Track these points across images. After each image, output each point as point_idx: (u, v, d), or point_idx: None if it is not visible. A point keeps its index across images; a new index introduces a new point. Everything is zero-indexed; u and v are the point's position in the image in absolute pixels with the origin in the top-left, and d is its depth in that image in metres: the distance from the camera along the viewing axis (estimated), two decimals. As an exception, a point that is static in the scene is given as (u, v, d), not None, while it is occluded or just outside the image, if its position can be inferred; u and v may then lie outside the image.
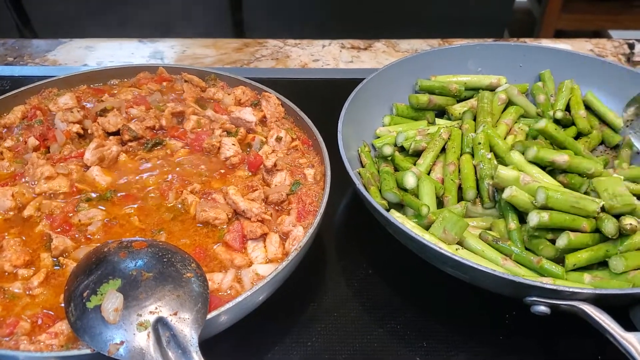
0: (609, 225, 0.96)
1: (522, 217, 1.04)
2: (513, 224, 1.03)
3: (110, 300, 0.80)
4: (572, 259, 0.95)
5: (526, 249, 1.01)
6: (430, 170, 1.16)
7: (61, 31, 1.81)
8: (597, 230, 0.99)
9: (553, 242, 0.99)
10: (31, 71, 1.59)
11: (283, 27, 2.06)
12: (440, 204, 1.11)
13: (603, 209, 0.98)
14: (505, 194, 1.01)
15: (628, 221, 0.94)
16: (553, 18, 4.03)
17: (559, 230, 0.99)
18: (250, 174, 1.11)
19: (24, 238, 0.97)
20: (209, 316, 0.80)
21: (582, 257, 0.95)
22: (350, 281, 1.06)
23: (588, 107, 1.32)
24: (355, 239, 1.16)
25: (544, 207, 0.98)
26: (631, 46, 1.73)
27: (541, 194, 0.98)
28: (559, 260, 0.98)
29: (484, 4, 2.95)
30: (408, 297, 1.03)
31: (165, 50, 1.70)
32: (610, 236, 0.96)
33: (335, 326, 0.98)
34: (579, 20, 4.13)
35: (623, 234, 0.97)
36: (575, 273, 0.97)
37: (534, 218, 0.96)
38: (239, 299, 0.83)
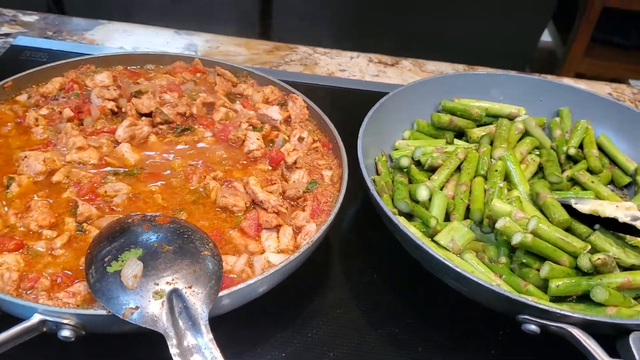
0: (584, 260, 1.01)
1: (513, 251, 1.09)
2: (503, 257, 1.07)
3: (131, 266, 0.85)
4: (554, 281, 0.99)
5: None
6: (443, 187, 1.21)
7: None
8: (576, 268, 1.03)
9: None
10: (69, 47, 1.65)
11: (310, 36, 2.11)
12: (446, 219, 1.16)
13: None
14: (499, 224, 1.06)
15: (597, 256, 0.99)
16: (575, 60, 4.09)
17: (543, 261, 1.03)
18: (270, 168, 1.15)
19: (50, 201, 1.02)
20: (220, 294, 0.85)
21: (564, 282, 0.99)
22: (354, 283, 1.11)
23: (600, 148, 1.37)
24: (361, 244, 1.20)
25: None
26: (649, 93, 1.78)
27: (532, 223, 1.04)
28: (544, 289, 1.03)
29: (509, 38, 3.01)
30: (409, 303, 1.08)
31: (200, 44, 1.76)
32: (585, 270, 1.01)
33: (335, 322, 1.03)
34: (600, 65, 4.19)
35: (599, 272, 1.01)
36: (556, 304, 1.01)
37: (517, 237, 1.01)
38: (250, 281, 0.87)
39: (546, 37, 4.51)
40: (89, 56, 1.34)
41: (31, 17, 1.78)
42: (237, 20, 2.64)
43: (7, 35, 1.67)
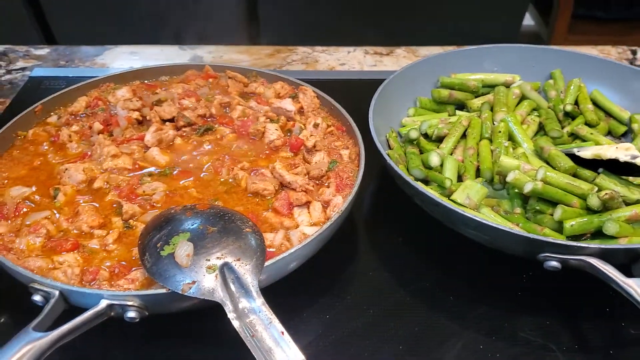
0: (593, 199, 1.08)
1: (527, 201, 1.17)
2: (518, 208, 1.15)
3: (183, 247, 0.93)
4: (568, 221, 1.07)
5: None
6: (452, 153, 1.29)
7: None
8: (587, 209, 1.11)
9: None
10: (83, 72, 1.74)
11: (299, 39, 2.19)
12: (459, 182, 1.24)
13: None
14: (509, 177, 1.14)
15: (604, 192, 1.07)
16: (560, 40, 4.18)
17: (555, 206, 1.11)
18: (292, 154, 1.24)
19: (96, 205, 1.11)
20: (266, 263, 0.93)
21: (577, 220, 1.07)
22: (381, 249, 1.19)
23: (595, 103, 1.45)
24: (383, 214, 1.29)
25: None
26: (634, 52, 1.87)
27: (541, 172, 1.12)
28: (560, 232, 1.10)
29: (491, 25, 3.07)
30: (435, 261, 1.16)
31: (204, 55, 1.85)
32: (595, 208, 1.08)
33: (370, 284, 1.11)
34: (585, 41, 4.28)
35: (608, 208, 1.09)
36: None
37: (529, 186, 1.10)
38: (291, 250, 0.95)
39: (528, 20, 4.60)
40: (107, 75, 1.43)
41: (43, 51, 1.88)
42: (223, 30, 2.70)
43: (23, 69, 1.77)
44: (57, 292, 0.89)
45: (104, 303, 0.88)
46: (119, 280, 0.96)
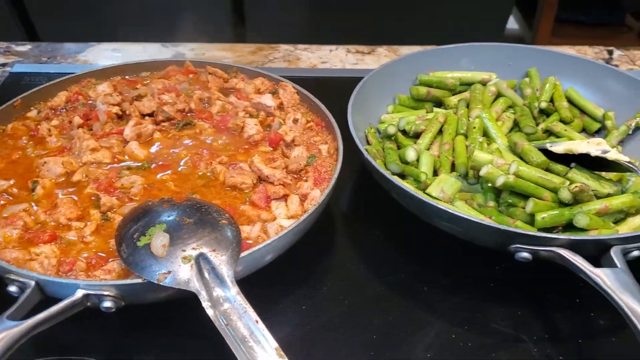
0: (564, 192, 1.10)
1: (499, 195, 1.19)
2: (491, 202, 1.18)
3: (159, 238, 0.94)
4: (540, 214, 1.08)
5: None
6: (428, 148, 1.31)
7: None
8: (559, 202, 1.13)
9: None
10: (65, 68, 1.74)
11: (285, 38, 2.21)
12: (435, 176, 1.26)
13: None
14: (482, 171, 1.16)
15: (574, 185, 1.09)
16: (544, 43, 4.23)
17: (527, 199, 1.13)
18: (271, 149, 1.25)
19: (75, 198, 1.12)
20: (242, 255, 0.94)
21: (549, 213, 1.09)
22: (359, 242, 1.21)
23: (570, 101, 1.48)
24: (361, 208, 1.31)
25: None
26: (610, 52, 1.90)
27: (514, 166, 1.14)
28: (531, 225, 1.12)
29: (475, 29, 3.10)
30: (411, 254, 1.18)
31: (186, 53, 1.86)
32: (566, 201, 1.10)
33: (346, 276, 1.13)
34: (568, 44, 4.34)
35: (578, 201, 1.11)
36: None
37: (501, 179, 1.12)
38: (268, 241, 0.97)
39: (512, 24, 4.65)
40: (88, 70, 1.43)
41: (24, 47, 1.88)
42: (211, 32, 2.71)
43: (4, 65, 1.77)
44: (33, 283, 0.90)
45: (79, 293, 0.89)
46: (95, 271, 0.97)
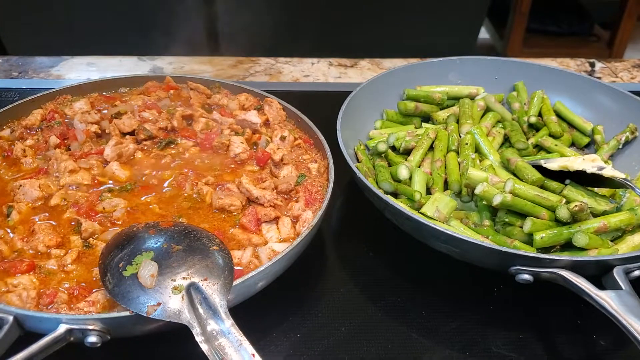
0: (562, 210, 1.08)
1: (495, 213, 1.16)
2: (487, 221, 1.15)
3: (146, 267, 0.89)
4: (538, 234, 1.06)
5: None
6: (420, 165, 1.28)
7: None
8: (556, 220, 1.11)
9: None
10: (37, 84, 1.68)
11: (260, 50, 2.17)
12: (428, 194, 1.23)
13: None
14: (478, 190, 1.13)
15: (574, 204, 1.06)
16: (515, 53, 4.27)
17: (524, 218, 1.10)
18: (258, 168, 1.21)
19: (53, 223, 1.06)
20: (234, 283, 0.90)
21: (547, 232, 1.06)
22: (352, 263, 1.17)
23: (558, 115, 1.46)
24: (353, 228, 1.27)
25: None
26: (592, 64, 1.90)
27: (509, 184, 1.12)
28: (529, 244, 1.10)
29: (448, 39, 3.11)
30: (407, 275, 1.14)
31: (164, 67, 1.81)
32: (564, 220, 1.08)
33: (341, 300, 1.09)
34: (539, 54, 4.40)
35: (577, 220, 1.09)
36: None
37: (498, 198, 1.09)
38: (261, 268, 0.92)
39: (484, 34, 4.69)
40: (64, 86, 1.37)
41: (-7, 61, 1.81)
42: (186, 45, 2.66)
43: (-28, 80, 1.69)
44: (11, 318, 0.84)
45: (62, 328, 0.83)
46: (78, 303, 0.91)
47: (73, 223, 1.05)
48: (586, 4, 4.62)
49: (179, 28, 2.40)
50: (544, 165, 1.18)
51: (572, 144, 1.43)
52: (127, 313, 0.85)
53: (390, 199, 1.08)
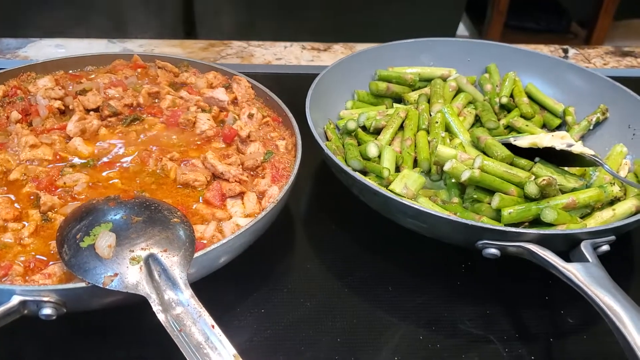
0: (531, 186, 1.07)
1: (464, 191, 1.15)
2: (455, 198, 1.14)
3: (104, 238, 0.86)
4: (506, 209, 1.05)
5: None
6: (390, 144, 1.27)
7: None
8: (525, 197, 1.10)
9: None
10: (4, 64, 1.63)
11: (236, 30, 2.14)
12: (397, 172, 1.21)
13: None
14: (446, 167, 1.12)
15: (542, 178, 1.05)
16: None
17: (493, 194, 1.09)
18: (225, 145, 1.18)
19: (12, 197, 1.03)
20: (196, 255, 0.87)
21: (515, 208, 1.05)
22: (320, 241, 1.15)
23: (530, 96, 1.46)
24: (322, 207, 1.25)
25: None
26: (565, 50, 1.91)
27: (478, 160, 1.11)
28: (497, 221, 1.09)
29: (426, 35, 3.11)
30: (374, 252, 1.13)
31: (134, 49, 1.78)
32: (533, 196, 1.07)
33: (307, 276, 1.07)
34: (519, 48, 4.42)
35: (545, 196, 1.08)
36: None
37: (466, 173, 1.08)
38: (224, 240, 0.90)
39: (462, 30, 4.70)
40: (28, 63, 1.34)
41: (-42, 42, 1.76)
42: (160, 30, 2.62)
43: None
44: (-38, 290, 0.81)
45: (15, 299, 0.80)
46: (34, 276, 0.88)
47: (32, 197, 1.02)
48: (564, 2, 4.66)
49: (151, 11, 2.37)
50: (514, 143, 1.17)
51: (544, 126, 1.43)
52: (83, 284, 0.82)
53: (358, 175, 1.07)
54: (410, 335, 0.97)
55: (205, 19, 2.59)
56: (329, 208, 1.24)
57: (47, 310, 0.81)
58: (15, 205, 1.01)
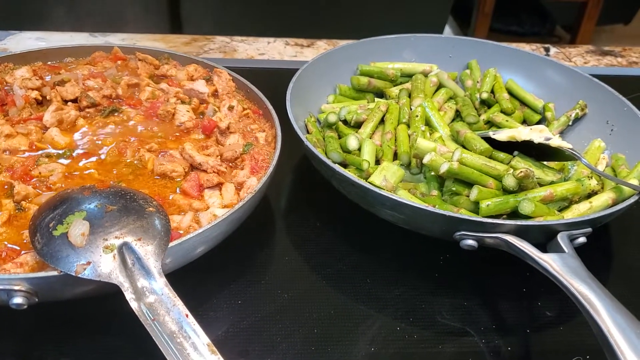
0: (509, 178, 1.07)
1: (443, 184, 1.15)
2: (434, 191, 1.14)
3: (77, 226, 0.85)
4: (484, 201, 1.04)
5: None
6: (370, 137, 1.26)
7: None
8: (503, 190, 1.10)
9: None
10: (-19, 56, 1.61)
11: (222, 25, 2.13)
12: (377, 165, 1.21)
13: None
14: (426, 159, 1.11)
15: (519, 170, 1.05)
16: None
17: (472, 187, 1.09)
18: (204, 137, 1.18)
19: (-16, 187, 1.01)
20: (171, 244, 0.86)
21: (493, 200, 1.05)
22: (299, 232, 1.15)
23: (510, 92, 1.46)
24: (301, 200, 1.25)
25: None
26: (547, 49, 1.92)
27: (457, 153, 1.10)
28: (476, 213, 1.09)
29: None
30: (353, 244, 1.12)
31: (116, 43, 1.75)
32: (511, 188, 1.07)
33: (285, 268, 1.06)
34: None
35: (523, 189, 1.08)
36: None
37: (444, 166, 1.08)
38: (200, 230, 0.89)
39: (448, 33, 4.73)
40: (5, 54, 1.32)
41: None
42: (144, 17, 2.60)
43: None
44: None
45: (-15, 288, 0.79)
46: (5, 264, 0.87)
47: (6, 187, 1.01)
48: (548, 6, 4.69)
49: (137, 6, 2.35)
50: (493, 136, 1.17)
51: (524, 121, 1.43)
52: (54, 273, 0.81)
53: (336, 166, 1.06)
54: (387, 327, 0.97)
55: (190, 15, 2.57)
56: (309, 201, 1.24)
57: (18, 300, 0.80)
58: (-11, 194, 1.00)
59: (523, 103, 1.45)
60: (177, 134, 1.18)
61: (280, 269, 1.06)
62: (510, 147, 1.17)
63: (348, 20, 2.94)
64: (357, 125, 1.30)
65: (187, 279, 0.89)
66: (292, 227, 1.16)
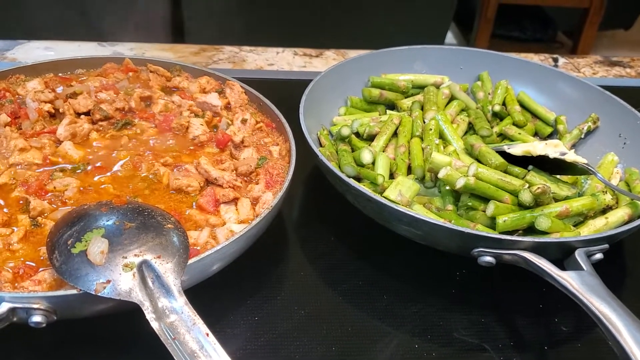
0: (525, 194, 1.07)
1: (458, 199, 1.15)
2: (450, 205, 1.14)
3: (96, 244, 0.85)
4: (501, 217, 1.04)
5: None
6: (384, 151, 1.26)
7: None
8: (519, 205, 1.10)
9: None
10: (-9, 66, 1.61)
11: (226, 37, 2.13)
12: (391, 179, 1.21)
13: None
14: (441, 174, 1.11)
15: (536, 186, 1.06)
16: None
17: (487, 202, 1.09)
18: (218, 150, 1.17)
19: (1, 202, 1.01)
20: (189, 262, 0.86)
21: (509, 216, 1.05)
22: (313, 247, 1.14)
23: (522, 105, 1.46)
24: (315, 214, 1.24)
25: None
26: (555, 60, 1.92)
27: (473, 167, 1.11)
28: (492, 228, 1.09)
29: (414, 44, 3.13)
30: (368, 259, 1.12)
31: (125, 52, 1.76)
32: (527, 204, 1.07)
33: (301, 284, 1.06)
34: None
35: (539, 204, 1.08)
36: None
37: (461, 181, 1.07)
38: (218, 247, 0.89)
39: (450, 39, 4.74)
40: (17, 65, 1.32)
41: (-56, 43, 1.74)
42: (150, 36, 2.61)
43: None
44: (-51, 297, 0.79)
45: (4, 307, 0.78)
46: (23, 282, 0.86)
47: (21, 202, 1.01)
48: (550, 12, 4.70)
49: (141, 14, 2.35)
50: (508, 151, 1.17)
51: (536, 134, 1.43)
52: (74, 291, 0.81)
53: (352, 181, 1.06)
54: (405, 344, 0.96)
55: (194, 24, 2.57)
56: (322, 215, 1.23)
57: (37, 318, 0.80)
58: (4, 210, 0.99)
59: (535, 115, 1.45)
60: (192, 148, 1.17)
61: (295, 284, 1.06)
62: (524, 160, 1.17)
63: (351, 27, 2.94)
64: (370, 138, 1.30)
65: (203, 295, 0.88)
66: (306, 242, 1.16)
